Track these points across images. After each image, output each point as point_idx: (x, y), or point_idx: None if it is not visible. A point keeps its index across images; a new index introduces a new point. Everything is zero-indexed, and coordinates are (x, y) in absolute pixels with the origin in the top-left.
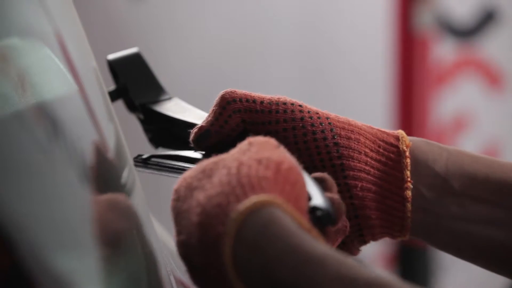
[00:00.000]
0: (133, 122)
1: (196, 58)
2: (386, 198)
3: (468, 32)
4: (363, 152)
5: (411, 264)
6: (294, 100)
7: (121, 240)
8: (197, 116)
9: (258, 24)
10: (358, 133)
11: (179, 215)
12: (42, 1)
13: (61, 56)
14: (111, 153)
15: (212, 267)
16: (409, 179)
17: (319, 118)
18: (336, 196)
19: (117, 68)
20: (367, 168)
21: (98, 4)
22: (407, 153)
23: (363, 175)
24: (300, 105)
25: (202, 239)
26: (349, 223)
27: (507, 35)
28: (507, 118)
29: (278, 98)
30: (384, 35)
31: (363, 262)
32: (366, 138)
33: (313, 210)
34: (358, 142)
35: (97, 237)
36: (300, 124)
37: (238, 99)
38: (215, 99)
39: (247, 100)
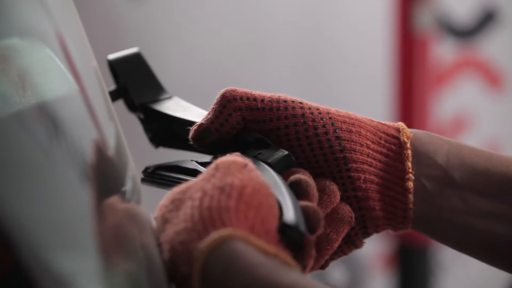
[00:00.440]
0: (133, 122)
1: (196, 58)
2: (389, 189)
3: (468, 33)
4: (364, 144)
5: (411, 264)
6: (294, 98)
7: (122, 240)
8: (197, 114)
9: (258, 24)
10: (359, 126)
11: (160, 247)
12: (43, 1)
13: (61, 56)
14: (111, 153)
15: None
16: (410, 170)
17: (320, 113)
18: (311, 203)
19: (117, 68)
20: (369, 160)
21: (98, 4)
22: (408, 145)
23: (365, 167)
24: (300, 102)
25: (173, 276)
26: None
27: (507, 35)
28: (507, 118)
29: (279, 96)
30: (384, 35)
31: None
32: (367, 130)
33: (283, 227)
34: (360, 135)
35: (98, 238)
36: (302, 120)
37: (238, 97)
38: (215, 97)
39: (248, 98)
